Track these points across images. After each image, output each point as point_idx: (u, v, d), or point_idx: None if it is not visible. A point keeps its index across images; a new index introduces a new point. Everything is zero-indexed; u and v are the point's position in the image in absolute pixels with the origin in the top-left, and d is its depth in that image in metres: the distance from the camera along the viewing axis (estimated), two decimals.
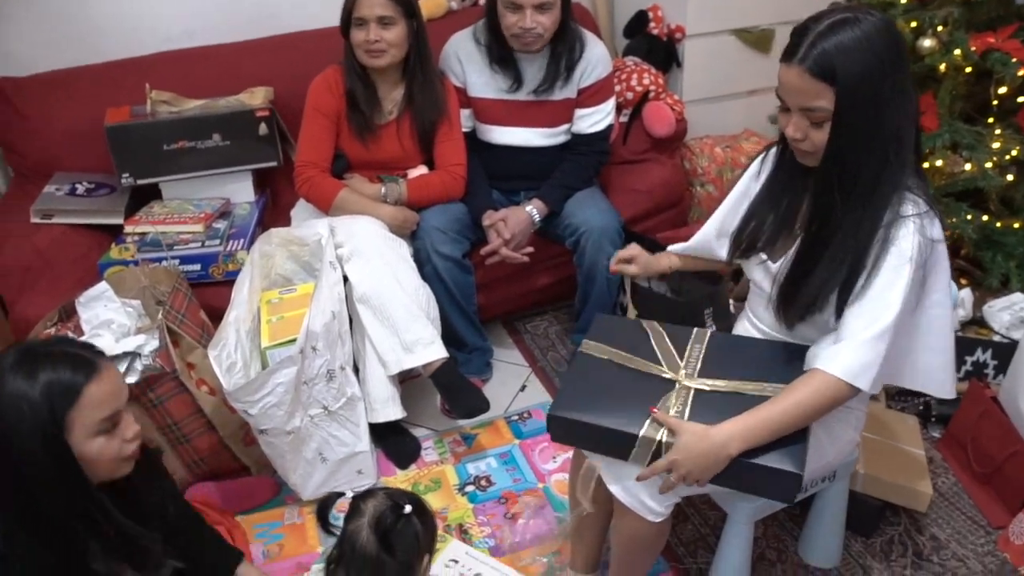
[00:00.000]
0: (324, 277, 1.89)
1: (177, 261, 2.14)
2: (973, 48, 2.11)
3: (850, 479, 1.69)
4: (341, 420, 1.88)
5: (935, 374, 1.35)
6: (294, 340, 1.74)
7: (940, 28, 2.18)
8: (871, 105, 1.17)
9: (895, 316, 1.21)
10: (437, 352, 1.95)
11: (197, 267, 2.16)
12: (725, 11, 2.83)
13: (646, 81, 2.67)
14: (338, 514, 1.41)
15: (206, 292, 2.12)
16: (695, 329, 1.50)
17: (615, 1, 3.09)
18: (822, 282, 1.27)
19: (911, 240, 1.21)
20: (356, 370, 1.98)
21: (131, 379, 1.72)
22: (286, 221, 2.30)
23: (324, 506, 1.39)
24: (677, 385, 1.36)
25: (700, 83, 2.91)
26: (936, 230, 1.25)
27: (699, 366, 1.40)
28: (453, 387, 1.96)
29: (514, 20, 2.07)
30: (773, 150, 1.44)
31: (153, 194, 2.37)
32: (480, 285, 2.29)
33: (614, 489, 1.34)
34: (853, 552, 1.77)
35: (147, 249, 2.12)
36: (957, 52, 2.13)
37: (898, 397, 2.17)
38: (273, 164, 2.40)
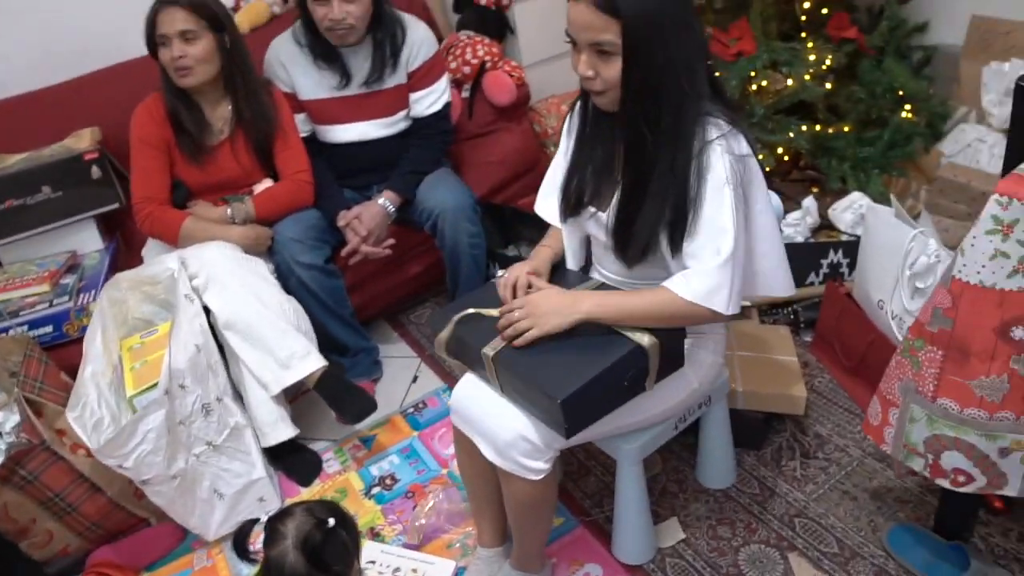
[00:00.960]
0: (181, 312, 1.83)
1: (26, 327, 2.03)
2: None
3: (730, 398, 1.76)
4: (230, 452, 1.84)
5: (774, 276, 1.42)
6: (158, 383, 1.68)
7: None
8: (657, 37, 1.20)
9: (732, 239, 1.26)
10: (315, 363, 1.92)
11: (49, 329, 2.05)
12: None
13: (480, 53, 2.67)
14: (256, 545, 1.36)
15: (65, 352, 2.02)
16: (589, 278, 1.52)
17: None
18: (651, 222, 1.31)
19: (722, 162, 1.26)
20: (239, 397, 1.94)
21: None
22: (140, 262, 2.21)
23: (240, 537, 1.34)
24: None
25: (536, 45, 2.94)
26: (743, 146, 1.29)
27: None
28: (338, 394, 1.94)
29: (323, 13, 2.03)
30: (576, 107, 1.46)
31: None
32: (352, 286, 2.26)
33: (492, 457, 1.37)
34: (747, 466, 1.85)
35: None
36: None
37: (770, 311, 2.27)
38: (115, 206, 2.30)
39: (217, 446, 1.81)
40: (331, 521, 1.26)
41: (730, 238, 1.26)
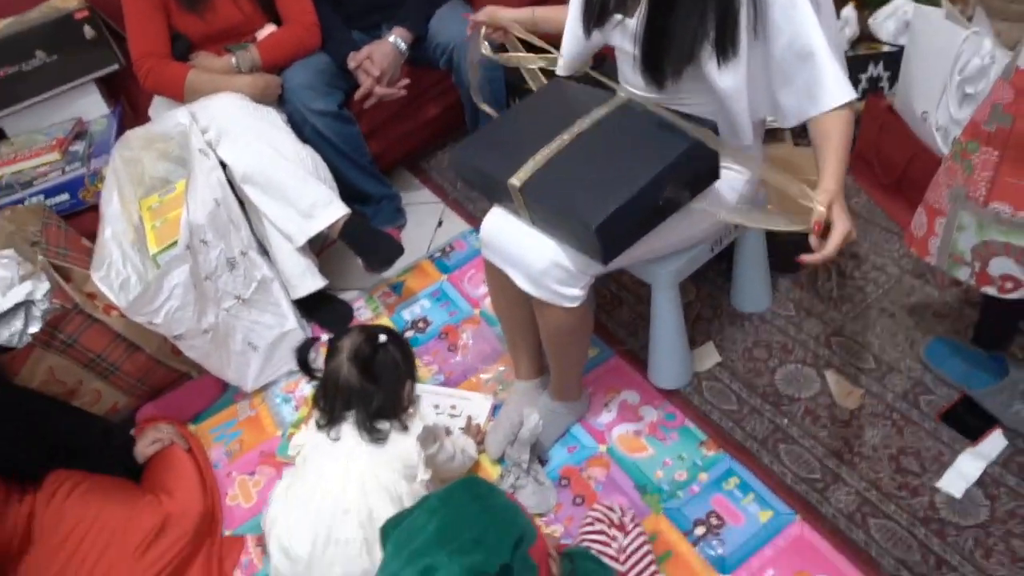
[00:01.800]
0: (196, 166, 1.79)
1: (42, 196, 2.00)
2: None
3: None
4: (260, 305, 1.84)
5: (837, 79, 1.24)
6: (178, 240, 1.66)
7: None
8: None
9: (817, 26, 1.17)
10: (337, 211, 1.88)
11: (65, 196, 2.03)
12: None
13: None
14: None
15: (84, 218, 2.01)
16: (615, 95, 1.41)
17: None
18: (691, 30, 1.20)
19: None
20: (265, 252, 1.92)
21: (33, 328, 1.64)
22: (147, 122, 2.14)
23: (302, 354, 1.40)
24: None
25: None
26: None
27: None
28: (364, 241, 1.91)
29: None
30: None
31: None
32: (369, 133, 2.19)
33: (526, 287, 1.35)
34: (782, 289, 1.82)
35: (2, 194, 1.97)
36: None
37: (803, 132, 2.16)
38: (115, 67, 2.22)
39: (246, 300, 1.81)
40: (382, 337, 1.36)
41: (816, 28, 1.17)
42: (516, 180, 1.29)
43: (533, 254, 1.32)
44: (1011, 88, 1.16)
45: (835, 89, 1.19)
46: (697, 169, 1.28)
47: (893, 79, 2.09)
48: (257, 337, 1.84)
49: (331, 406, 1.35)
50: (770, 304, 1.79)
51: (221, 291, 1.76)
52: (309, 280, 1.93)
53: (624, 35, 1.33)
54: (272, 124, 1.92)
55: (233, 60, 2.00)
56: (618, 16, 1.32)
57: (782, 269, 1.84)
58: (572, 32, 1.47)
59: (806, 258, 1.14)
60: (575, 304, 1.34)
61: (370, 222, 2.21)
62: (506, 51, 1.68)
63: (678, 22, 1.22)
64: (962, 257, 1.35)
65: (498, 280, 1.47)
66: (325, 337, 1.39)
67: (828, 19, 1.26)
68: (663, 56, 1.26)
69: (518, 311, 1.53)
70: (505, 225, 1.38)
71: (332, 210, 1.87)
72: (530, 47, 1.63)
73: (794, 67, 1.20)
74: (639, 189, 1.21)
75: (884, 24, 2.15)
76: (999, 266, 1.32)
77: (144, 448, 1.72)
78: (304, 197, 1.85)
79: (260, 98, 1.99)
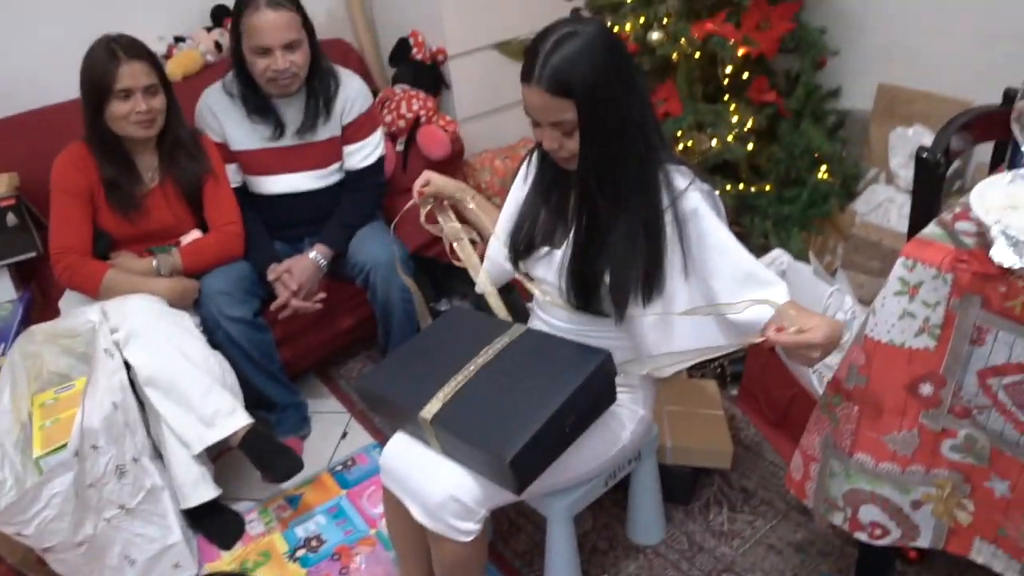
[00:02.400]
0: (100, 367, 1.76)
1: None
2: (695, 35, 2.30)
3: (659, 453, 1.78)
4: (144, 515, 1.76)
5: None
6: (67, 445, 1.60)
7: (666, 20, 2.36)
8: (610, 106, 1.24)
9: (744, 254, 1.30)
10: (240, 420, 1.87)
11: None
12: (481, 29, 2.91)
13: (415, 107, 2.70)
14: None
15: None
16: (513, 325, 1.51)
17: (378, 32, 3.10)
18: (619, 271, 1.32)
19: (704, 202, 1.30)
20: (159, 457, 1.86)
21: None
22: (55, 313, 2.12)
23: None
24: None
25: (471, 100, 2.98)
26: (707, 185, 1.34)
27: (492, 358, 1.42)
28: (263, 453, 1.88)
29: (266, 64, 2.03)
30: (535, 155, 1.50)
31: None
32: (282, 340, 2.22)
33: (421, 519, 1.34)
34: (676, 521, 1.86)
35: None
36: (683, 41, 2.31)
37: (697, 366, 2.31)
38: (31, 255, 2.22)
39: (131, 509, 1.73)
40: None
41: (744, 254, 1.30)
42: (426, 413, 1.33)
43: (431, 486, 1.33)
44: (863, 352, 1.30)
45: (777, 292, 1.29)
46: (599, 392, 1.36)
47: None
48: (136, 551, 1.74)
49: None
50: (664, 536, 1.82)
51: (104, 500, 1.68)
52: (203, 489, 1.86)
53: (549, 268, 1.44)
54: (184, 329, 1.94)
55: (154, 263, 2.04)
56: (544, 248, 1.44)
57: (676, 500, 1.89)
58: (497, 253, 1.57)
59: (769, 336, 1.21)
60: (469, 538, 1.34)
61: (273, 430, 2.19)
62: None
63: (606, 262, 1.33)
64: (835, 502, 1.43)
65: (395, 506, 1.46)
66: None
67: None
68: (587, 292, 1.36)
69: (413, 539, 1.51)
70: (406, 453, 1.40)
71: (234, 420, 1.86)
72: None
73: (738, 287, 1.30)
74: (549, 417, 1.27)
75: None
76: (868, 513, 1.40)
77: None
78: (207, 405, 1.83)
79: (176, 302, 2.01)
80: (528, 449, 1.24)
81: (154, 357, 1.84)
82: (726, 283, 1.31)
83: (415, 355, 1.52)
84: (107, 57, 1.87)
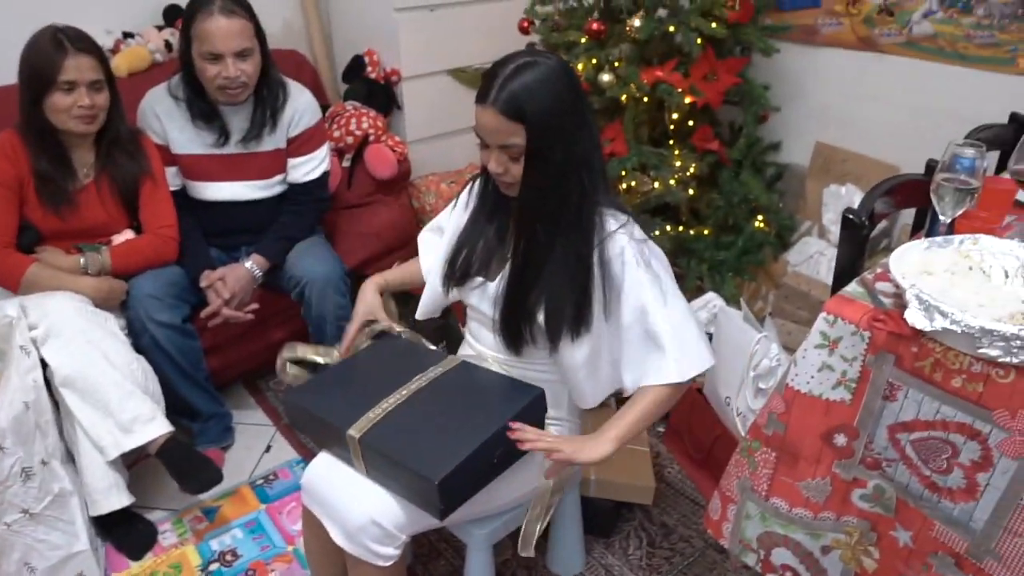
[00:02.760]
0: (13, 364, 1.70)
1: None
2: (645, 80, 2.37)
3: (582, 485, 1.80)
4: (49, 521, 1.69)
5: (696, 350, 1.40)
6: None
7: (617, 64, 2.43)
8: (559, 138, 1.27)
9: (661, 309, 1.34)
10: (159, 428, 1.82)
11: None
12: (437, 54, 2.94)
13: (365, 125, 2.70)
14: None
15: None
16: (448, 356, 1.52)
17: (334, 47, 3.10)
18: (550, 305, 1.34)
19: (630, 249, 1.33)
20: (70, 461, 1.80)
21: None
22: None
23: None
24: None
25: (421, 122, 2.99)
26: (639, 231, 1.38)
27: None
28: (181, 463, 1.84)
29: (216, 71, 2.01)
30: (477, 182, 1.51)
31: None
32: (210, 348, 2.18)
33: (340, 541, 1.33)
34: (595, 554, 1.88)
35: None
36: (632, 85, 2.38)
37: (627, 401, 2.35)
38: None
39: (35, 515, 1.67)
40: None
41: (659, 309, 1.34)
42: (355, 431, 1.32)
43: (352, 508, 1.32)
44: (783, 400, 1.35)
45: (669, 369, 1.35)
46: (531, 425, 1.37)
47: None
48: (38, 558, 1.67)
49: None
50: (583, 568, 1.83)
51: (7, 503, 1.61)
52: (115, 496, 1.81)
53: (483, 298, 1.45)
54: (107, 331, 1.88)
55: (82, 260, 1.98)
56: (479, 279, 1.46)
57: (596, 532, 1.91)
58: (431, 285, 1.58)
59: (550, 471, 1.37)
60: (388, 563, 1.33)
61: (195, 440, 2.13)
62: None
63: (540, 293, 1.35)
64: (750, 544, 1.47)
65: (314, 527, 1.44)
66: None
67: (675, 301, 1.39)
68: (520, 324, 1.38)
69: (331, 560, 1.49)
70: (329, 474, 1.39)
71: (153, 427, 1.81)
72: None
73: (639, 343, 1.36)
74: (480, 444, 1.28)
75: (698, 314, 2.45)
76: (780, 556, 1.44)
77: None
78: (126, 410, 1.78)
79: (101, 303, 1.96)
80: (456, 474, 1.24)
81: (73, 357, 1.78)
82: (631, 334, 1.37)
83: (346, 376, 1.51)
84: (53, 47, 1.83)
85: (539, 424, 1.41)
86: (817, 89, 2.72)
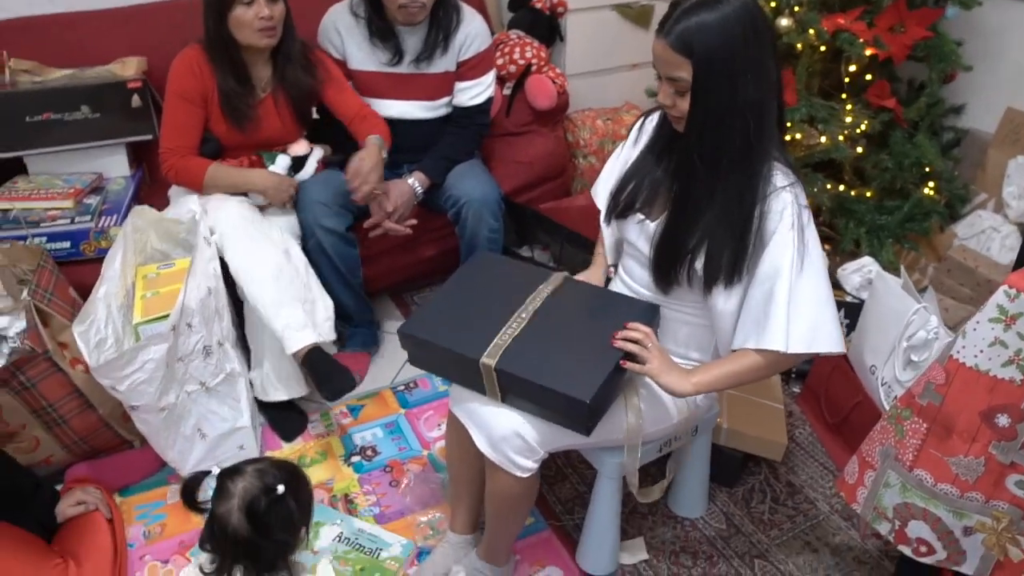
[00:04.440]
0: (199, 252, 1.87)
1: (44, 238, 2.06)
2: (825, 28, 2.24)
3: (713, 433, 1.81)
4: (220, 396, 1.87)
5: (823, 330, 1.35)
6: (167, 316, 1.72)
7: (796, 8, 2.31)
8: (725, 79, 1.25)
9: (787, 278, 1.31)
10: (307, 338, 1.89)
11: (66, 244, 2.09)
12: None
13: (528, 55, 2.71)
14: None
15: (78, 270, 2.05)
16: (552, 272, 1.55)
17: None
18: (709, 250, 1.34)
19: (791, 210, 1.31)
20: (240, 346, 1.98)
21: None
22: (163, 195, 2.22)
23: (190, 486, 1.32)
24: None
25: (582, 57, 2.98)
26: (803, 197, 1.35)
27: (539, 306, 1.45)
28: (322, 370, 1.91)
29: None
30: (649, 117, 1.52)
31: (17, 168, 2.26)
32: (366, 258, 2.29)
33: (484, 448, 1.40)
34: (718, 502, 1.90)
35: (8, 227, 2.03)
36: (811, 31, 2.26)
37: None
38: (148, 137, 2.33)
39: (210, 388, 1.85)
40: (280, 489, 1.26)
41: (786, 280, 1.31)
42: (488, 359, 1.35)
43: (497, 419, 1.39)
44: (944, 372, 1.31)
45: (776, 338, 1.31)
46: None
47: (852, 327, 2.26)
48: (209, 426, 1.86)
49: (220, 554, 1.28)
50: (704, 512, 1.86)
51: (189, 374, 1.79)
52: (294, 386, 2.01)
53: (641, 235, 1.46)
54: (271, 240, 2.00)
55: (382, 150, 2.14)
56: (640, 215, 1.47)
57: (721, 481, 1.93)
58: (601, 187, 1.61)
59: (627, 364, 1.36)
60: (526, 475, 1.40)
61: (347, 340, 2.28)
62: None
63: (699, 240, 1.35)
64: (885, 512, 1.45)
65: (458, 433, 1.53)
66: (215, 470, 1.31)
67: (812, 275, 1.34)
68: (676, 266, 1.39)
69: (469, 466, 1.58)
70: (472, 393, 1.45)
71: (302, 336, 1.89)
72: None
73: (760, 303, 1.33)
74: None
75: (850, 277, 2.37)
76: (916, 529, 1.42)
77: (67, 508, 1.70)
78: (280, 317, 1.89)
79: (272, 195, 2.09)
80: (601, 390, 1.29)
81: (238, 265, 1.93)
82: (757, 291, 1.34)
83: (456, 302, 1.49)
84: None
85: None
86: (1017, 49, 2.49)
